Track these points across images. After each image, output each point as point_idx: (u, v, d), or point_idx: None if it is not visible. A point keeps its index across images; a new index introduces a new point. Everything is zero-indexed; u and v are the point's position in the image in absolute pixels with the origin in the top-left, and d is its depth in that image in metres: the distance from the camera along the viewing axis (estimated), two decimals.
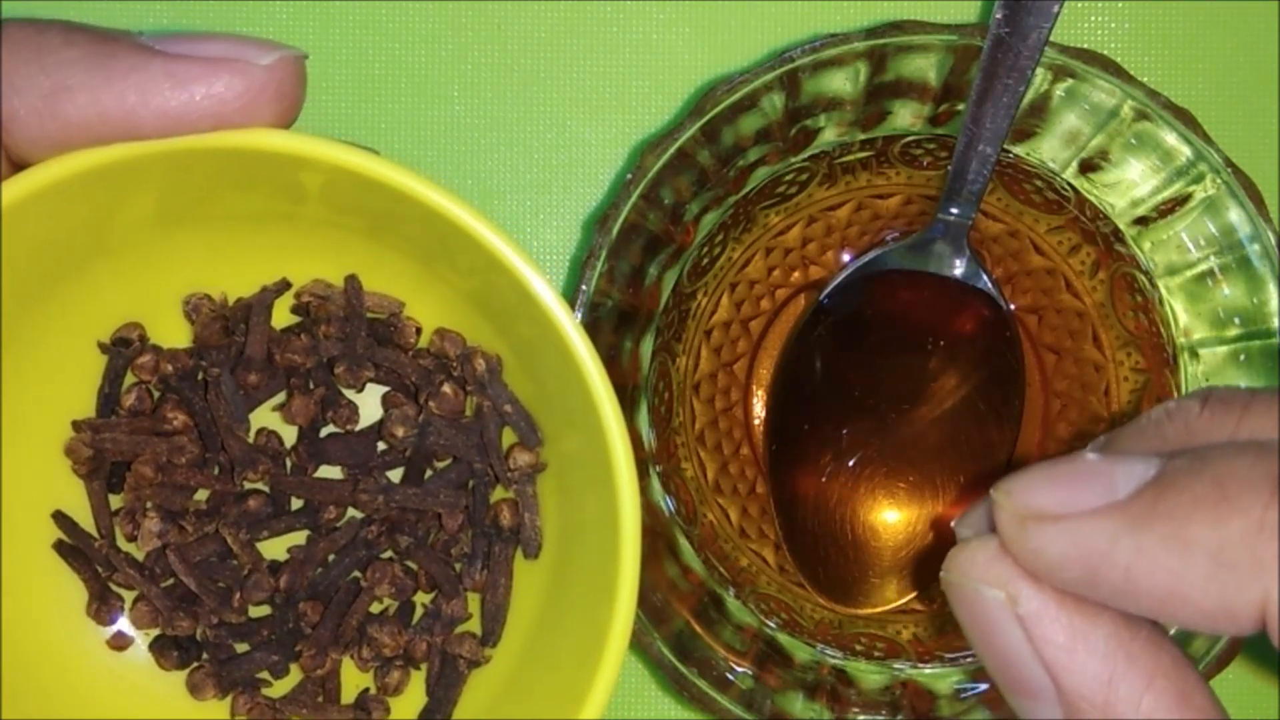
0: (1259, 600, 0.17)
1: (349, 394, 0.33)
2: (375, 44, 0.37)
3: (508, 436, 0.32)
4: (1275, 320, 0.31)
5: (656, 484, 0.34)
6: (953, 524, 0.21)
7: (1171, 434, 0.20)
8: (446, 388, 0.32)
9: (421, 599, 0.34)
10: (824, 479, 0.34)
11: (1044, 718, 0.19)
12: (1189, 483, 0.18)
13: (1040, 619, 0.19)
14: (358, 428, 0.33)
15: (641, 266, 0.33)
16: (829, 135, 0.34)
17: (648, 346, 0.34)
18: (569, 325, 0.27)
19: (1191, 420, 0.20)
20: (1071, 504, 0.19)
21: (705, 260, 0.35)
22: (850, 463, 0.34)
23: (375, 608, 0.33)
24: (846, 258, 0.35)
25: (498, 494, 0.33)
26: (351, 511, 0.33)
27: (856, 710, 0.33)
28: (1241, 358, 0.32)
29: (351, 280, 0.32)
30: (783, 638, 0.34)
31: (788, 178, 0.34)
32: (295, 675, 0.33)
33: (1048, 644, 0.19)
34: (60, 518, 0.33)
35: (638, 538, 0.27)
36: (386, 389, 0.34)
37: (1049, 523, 0.19)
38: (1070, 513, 0.18)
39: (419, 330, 0.33)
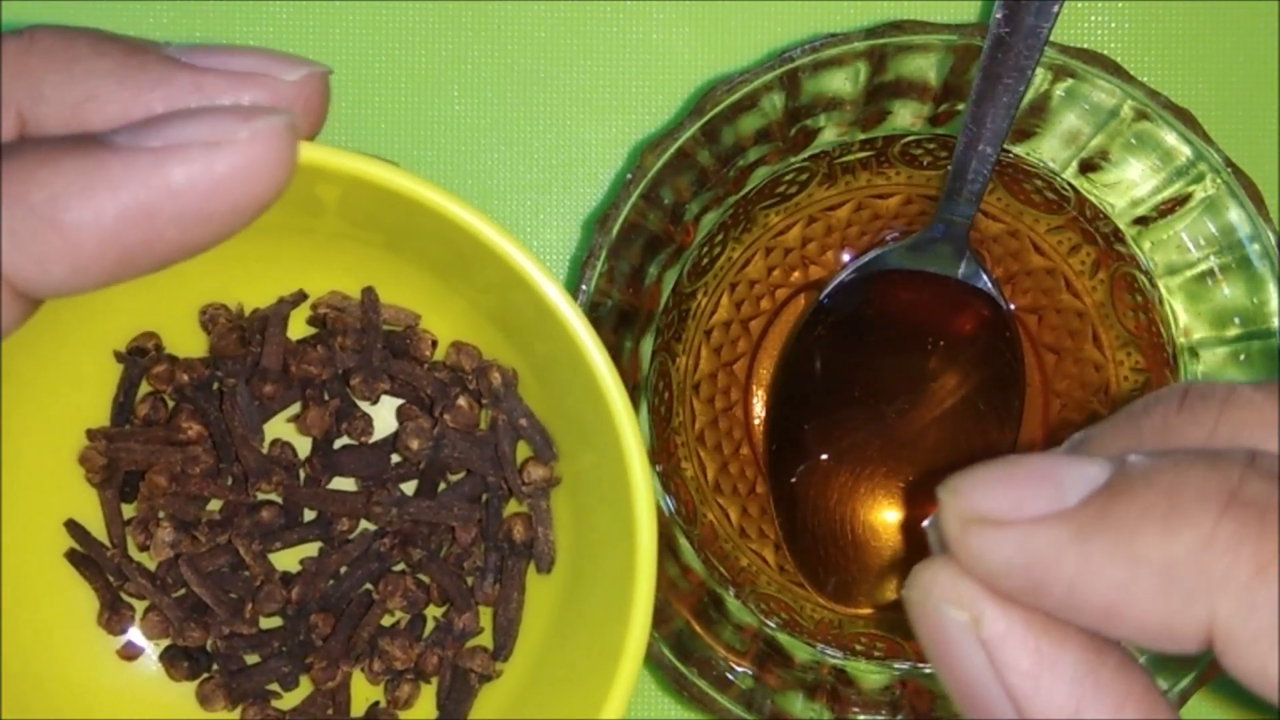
0: (1205, 618, 0.17)
1: (364, 406, 0.33)
2: (375, 44, 0.37)
3: (522, 451, 0.32)
4: (1275, 320, 0.31)
5: (656, 484, 0.34)
6: (924, 525, 0.20)
7: (1148, 430, 0.19)
8: (462, 401, 0.32)
9: (433, 612, 0.33)
10: (824, 479, 0.34)
11: None
12: (1140, 492, 0.17)
13: (1004, 643, 0.18)
14: (372, 440, 0.33)
15: (641, 266, 0.33)
16: (829, 135, 0.34)
17: (648, 346, 0.34)
18: (589, 342, 0.26)
19: (1169, 417, 0.19)
20: (1018, 508, 0.18)
21: (705, 260, 0.35)
22: (850, 463, 0.34)
23: (387, 620, 0.33)
24: (846, 258, 0.35)
25: (511, 508, 0.33)
26: (364, 524, 0.33)
27: (856, 710, 0.33)
28: (1241, 358, 0.32)
29: (368, 292, 0.32)
30: (783, 638, 0.34)
31: (788, 178, 0.34)
32: (305, 687, 0.33)
33: (1011, 670, 0.18)
34: (73, 526, 0.32)
35: (654, 556, 0.26)
36: (401, 401, 0.33)
37: (993, 528, 0.18)
38: (1016, 518, 0.18)
39: (435, 343, 0.33)
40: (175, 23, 0.37)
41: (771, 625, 0.34)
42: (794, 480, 0.34)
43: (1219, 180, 0.31)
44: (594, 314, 0.32)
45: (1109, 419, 0.20)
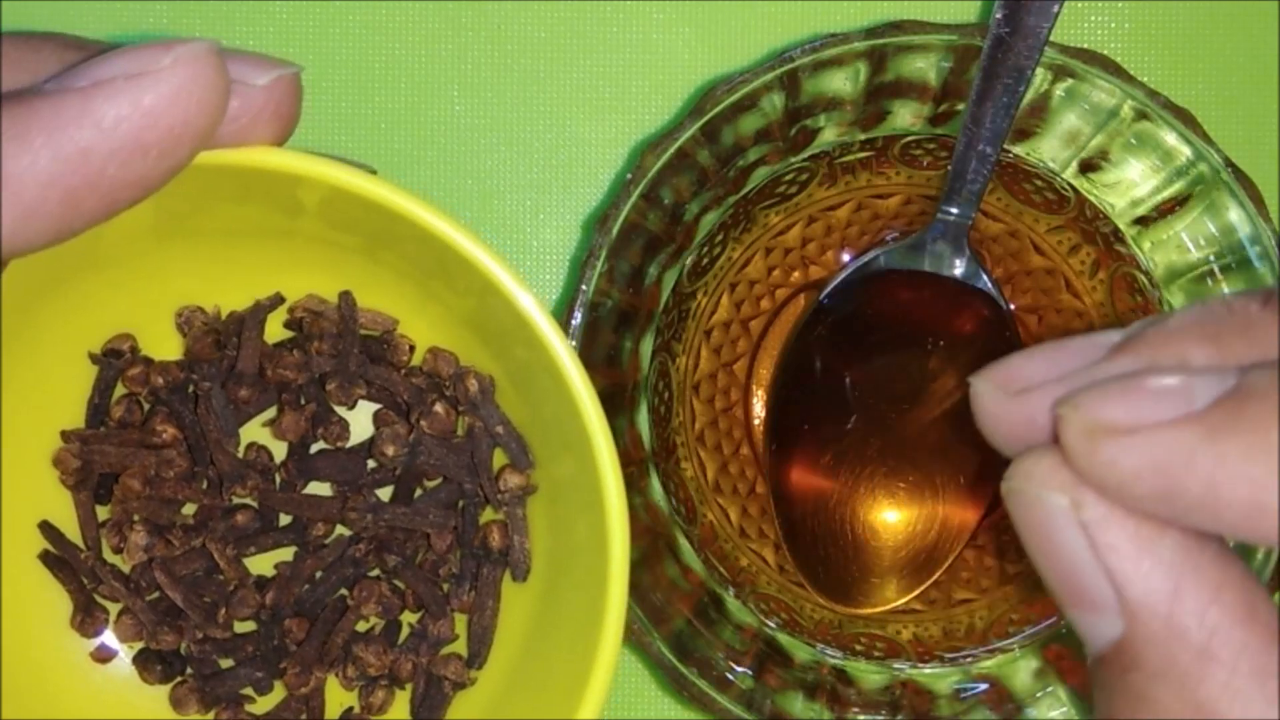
0: None
1: (340, 411, 0.33)
2: (375, 44, 0.37)
3: (499, 458, 0.32)
4: None
5: (656, 484, 0.34)
6: (970, 379, 0.20)
7: (1230, 325, 0.19)
8: (438, 407, 0.32)
9: (408, 619, 0.33)
10: (824, 479, 0.34)
11: (1104, 632, 0.19)
12: (1271, 392, 0.17)
13: (1105, 525, 0.18)
14: (348, 445, 0.33)
15: (641, 266, 0.33)
16: (829, 135, 0.34)
17: (648, 346, 0.34)
18: (562, 350, 0.26)
19: (1252, 315, 0.19)
20: (1146, 415, 0.18)
21: (705, 260, 0.35)
22: (850, 463, 0.34)
23: (361, 626, 0.33)
24: (846, 258, 0.35)
25: (487, 515, 0.33)
26: (340, 529, 0.33)
27: (856, 710, 0.33)
28: None
29: (346, 297, 0.32)
30: (783, 638, 0.34)
31: (788, 178, 0.34)
32: (279, 692, 0.33)
33: (1112, 551, 0.18)
34: (47, 528, 0.32)
35: (626, 565, 0.26)
36: (378, 407, 0.33)
37: (1123, 434, 0.18)
38: (1145, 423, 0.18)
39: (412, 348, 0.33)
40: (175, 23, 0.37)
41: (771, 625, 0.34)
42: (794, 480, 0.34)
43: (1219, 180, 0.31)
44: (594, 314, 0.32)
45: (1187, 308, 0.20)
